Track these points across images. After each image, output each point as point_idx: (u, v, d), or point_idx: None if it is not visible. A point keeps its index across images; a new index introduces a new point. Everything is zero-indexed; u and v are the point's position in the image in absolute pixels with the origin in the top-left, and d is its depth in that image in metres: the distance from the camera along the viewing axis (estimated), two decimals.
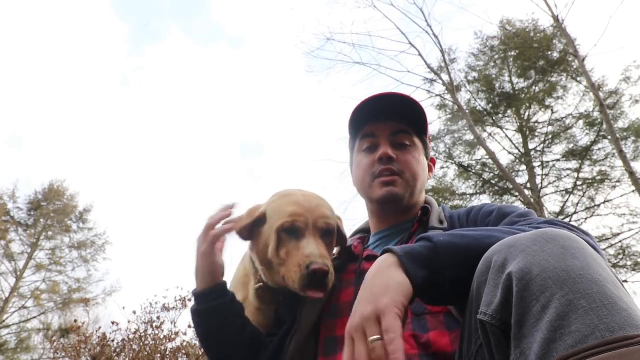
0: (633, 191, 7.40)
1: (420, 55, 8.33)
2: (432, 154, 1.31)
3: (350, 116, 1.21)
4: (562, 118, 9.60)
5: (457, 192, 9.93)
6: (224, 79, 28.99)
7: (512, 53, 9.83)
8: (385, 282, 0.67)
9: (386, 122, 1.18)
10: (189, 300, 8.29)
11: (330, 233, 1.10)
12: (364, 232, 1.29)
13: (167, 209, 26.45)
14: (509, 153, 9.98)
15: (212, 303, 1.03)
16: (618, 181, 8.64)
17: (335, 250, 1.23)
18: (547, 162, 9.64)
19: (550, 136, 9.61)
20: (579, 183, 9.12)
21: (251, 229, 1.12)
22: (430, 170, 1.29)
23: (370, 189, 1.16)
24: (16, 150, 24.60)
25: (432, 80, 8.92)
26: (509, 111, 10.22)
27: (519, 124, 9.91)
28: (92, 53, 24.74)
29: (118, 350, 7.75)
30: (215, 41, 33.20)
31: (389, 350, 0.59)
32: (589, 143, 9.14)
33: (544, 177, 9.45)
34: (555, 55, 9.43)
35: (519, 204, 9.16)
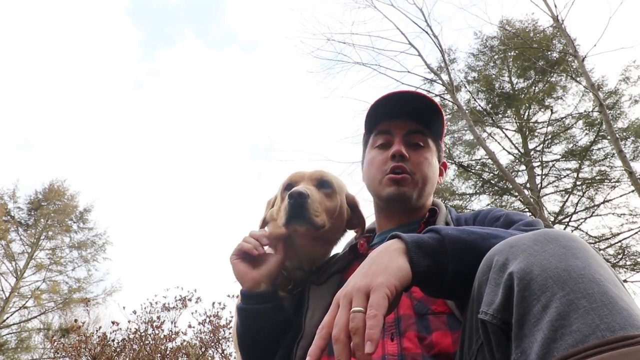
0: (632, 191, 7.41)
1: (420, 55, 8.29)
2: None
3: (367, 110, 1.20)
4: (562, 118, 9.60)
5: (456, 192, 9.94)
6: (237, 83, 29.05)
7: (512, 53, 9.82)
8: (386, 263, 0.68)
9: (403, 121, 1.18)
10: (189, 300, 8.30)
11: (327, 184, 1.15)
12: (370, 232, 1.28)
13: (168, 209, 26.49)
14: (509, 153, 9.98)
15: (254, 306, 1.05)
16: (617, 181, 8.65)
17: (354, 232, 1.28)
18: (547, 162, 9.65)
19: (549, 136, 9.61)
20: (578, 183, 9.12)
21: None
22: (441, 173, 1.28)
23: (380, 186, 1.16)
24: (26, 153, 24.67)
25: (431, 81, 8.90)
26: (508, 111, 10.22)
27: (518, 124, 9.91)
28: (106, 58, 24.99)
29: (118, 350, 7.76)
30: (228, 46, 33.31)
31: (367, 324, 0.59)
32: (588, 143, 9.13)
33: (543, 177, 9.46)
34: (555, 55, 9.42)
35: (518, 204, 9.18)
